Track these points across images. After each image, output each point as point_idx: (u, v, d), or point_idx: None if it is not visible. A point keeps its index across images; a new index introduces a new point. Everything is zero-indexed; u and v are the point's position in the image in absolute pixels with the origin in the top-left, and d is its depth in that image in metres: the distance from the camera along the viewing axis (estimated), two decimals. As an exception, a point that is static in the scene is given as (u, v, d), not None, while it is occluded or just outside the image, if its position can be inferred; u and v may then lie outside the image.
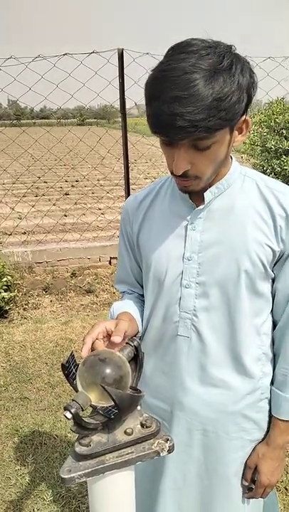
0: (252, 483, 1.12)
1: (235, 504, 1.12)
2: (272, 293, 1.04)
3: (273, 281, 1.03)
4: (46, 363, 3.18)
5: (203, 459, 1.10)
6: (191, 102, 0.76)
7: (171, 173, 0.91)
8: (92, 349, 0.86)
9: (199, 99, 0.76)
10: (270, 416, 1.09)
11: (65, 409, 0.69)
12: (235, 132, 0.89)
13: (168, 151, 0.88)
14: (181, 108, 0.77)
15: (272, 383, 1.09)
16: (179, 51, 0.80)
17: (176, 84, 0.77)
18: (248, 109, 0.88)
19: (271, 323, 1.07)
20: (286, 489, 2.08)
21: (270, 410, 1.09)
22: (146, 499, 1.19)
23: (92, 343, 0.87)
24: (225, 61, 0.79)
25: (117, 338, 0.86)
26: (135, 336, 1.08)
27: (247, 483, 1.11)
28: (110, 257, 4.81)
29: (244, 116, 0.88)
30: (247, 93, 0.83)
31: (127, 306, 1.12)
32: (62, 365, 0.77)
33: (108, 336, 0.90)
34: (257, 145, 3.88)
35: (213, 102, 0.77)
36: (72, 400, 0.70)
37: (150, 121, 0.83)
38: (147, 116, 0.84)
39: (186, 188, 0.94)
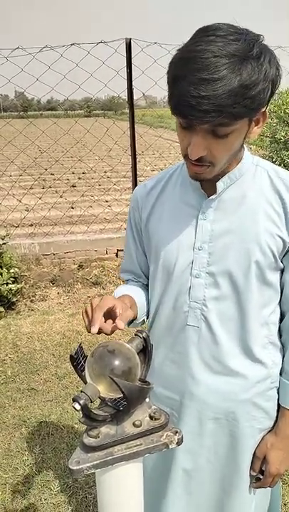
0: (259, 474, 1.12)
1: (244, 493, 1.12)
2: (280, 283, 1.03)
3: (282, 271, 1.02)
4: (53, 355, 3.19)
5: (214, 448, 1.10)
6: (219, 86, 0.74)
7: (185, 157, 0.90)
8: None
9: (227, 84, 0.74)
10: (279, 405, 1.09)
11: (74, 400, 0.68)
12: (253, 124, 0.88)
13: (185, 134, 0.86)
14: (208, 91, 0.75)
15: (280, 373, 1.09)
16: (208, 34, 0.78)
17: (204, 66, 0.75)
18: (269, 102, 0.87)
19: (279, 312, 1.07)
20: (293, 482, 2.08)
21: (278, 399, 1.09)
22: (156, 487, 1.19)
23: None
24: (254, 49, 0.77)
25: (121, 324, 0.84)
26: (134, 320, 1.08)
27: (255, 474, 1.12)
28: (117, 249, 4.81)
29: (264, 108, 0.86)
30: (272, 85, 0.81)
31: (131, 290, 1.12)
32: (71, 356, 0.76)
33: (108, 312, 0.88)
34: (266, 136, 3.84)
35: (240, 89, 0.75)
36: (81, 392, 0.69)
37: (173, 101, 0.81)
38: (169, 97, 0.82)
39: (198, 176, 0.92)
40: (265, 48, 0.80)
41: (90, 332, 0.82)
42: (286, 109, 3.51)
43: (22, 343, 3.35)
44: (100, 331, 0.84)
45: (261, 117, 0.88)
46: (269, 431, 1.11)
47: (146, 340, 0.83)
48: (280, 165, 3.58)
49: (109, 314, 0.88)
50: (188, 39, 0.82)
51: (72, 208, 6.60)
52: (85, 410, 0.69)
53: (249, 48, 0.77)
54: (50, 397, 2.72)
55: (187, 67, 0.77)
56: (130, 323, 1.10)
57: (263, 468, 1.11)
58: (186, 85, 0.76)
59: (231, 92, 0.75)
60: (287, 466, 1.11)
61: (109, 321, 0.88)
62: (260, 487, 1.14)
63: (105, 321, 0.87)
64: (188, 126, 0.84)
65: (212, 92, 0.74)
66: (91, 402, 0.70)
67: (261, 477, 1.12)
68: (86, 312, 0.89)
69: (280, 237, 0.96)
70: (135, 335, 0.84)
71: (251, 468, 1.11)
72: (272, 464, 1.08)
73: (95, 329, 0.81)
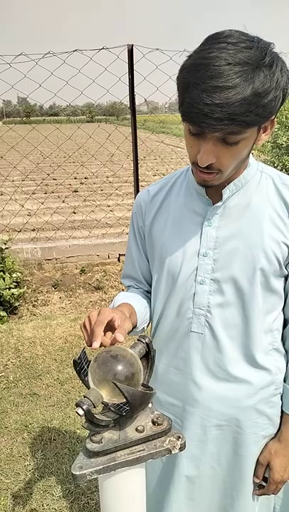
0: (263, 481, 1.12)
1: (248, 500, 1.12)
2: (284, 290, 1.03)
3: (286, 278, 1.02)
4: (55, 360, 3.19)
5: (218, 455, 1.10)
6: (232, 94, 0.74)
7: (193, 164, 0.90)
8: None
9: (239, 92, 0.74)
10: (283, 412, 1.09)
11: (77, 405, 0.68)
12: (261, 131, 0.88)
13: (194, 141, 0.86)
14: (222, 99, 0.74)
15: (284, 380, 1.08)
16: (220, 40, 0.78)
17: (217, 73, 0.75)
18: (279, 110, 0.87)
19: (282, 319, 1.07)
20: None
21: (282, 406, 1.09)
22: (159, 494, 1.19)
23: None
24: (267, 58, 0.77)
25: (120, 337, 0.82)
26: (133, 328, 1.07)
27: (258, 481, 1.11)
28: (119, 254, 4.81)
29: (274, 116, 0.86)
30: (283, 93, 0.81)
31: (131, 298, 1.11)
32: (74, 361, 0.76)
33: (107, 324, 0.87)
34: (268, 141, 3.84)
35: (252, 97, 0.75)
36: (84, 397, 0.70)
37: (185, 108, 0.80)
38: (180, 103, 0.82)
39: (206, 182, 0.92)
40: (276, 56, 0.80)
41: (90, 346, 0.80)
42: (287, 114, 3.52)
43: (24, 348, 3.35)
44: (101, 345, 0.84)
45: (269, 125, 0.88)
46: (272, 438, 1.10)
47: (148, 345, 0.84)
48: (281, 170, 3.58)
49: (109, 326, 0.87)
50: (199, 45, 0.82)
51: (75, 212, 6.62)
52: (88, 415, 0.70)
53: (261, 56, 0.77)
54: (52, 402, 2.72)
55: (199, 74, 0.76)
56: (130, 331, 1.10)
57: (267, 476, 1.11)
58: (199, 92, 0.76)
59: (244, 100, 0.75)
60: None
61: (109, 334, 0.87)
62: (263, 494, 1.13)
63: (104, 334, 0.85)
64: (198, 133, 0.83)
65: (225, 99, 0.74)
66: (94, 407, 0.70)
67: (264, 484, 1.12)
68: (84, 326, 0.87)
69: (285, 244, 0.96)
70: (138, 340, 0.84)
71: (254, 475, 1.11)
72: (275, 471, 1.08)
73: (96, 344, 0.78)
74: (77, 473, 0.69)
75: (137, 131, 4.34)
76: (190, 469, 1.12)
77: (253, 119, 0.78)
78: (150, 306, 1.18)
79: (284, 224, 0.96)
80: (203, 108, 0.76)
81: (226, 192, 0.97)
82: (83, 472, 0.70)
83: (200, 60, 0.78)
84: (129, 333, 1.09)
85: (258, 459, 1.10)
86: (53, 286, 4.34)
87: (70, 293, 4.27)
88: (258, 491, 1.13)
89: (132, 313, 1.03)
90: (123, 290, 1.26)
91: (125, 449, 0.73)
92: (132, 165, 4.38)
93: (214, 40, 0.79)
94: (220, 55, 0.75)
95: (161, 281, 1.09)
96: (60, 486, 2.10)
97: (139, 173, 4.47)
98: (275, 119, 0.89)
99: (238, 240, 0.97)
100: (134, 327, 1.08)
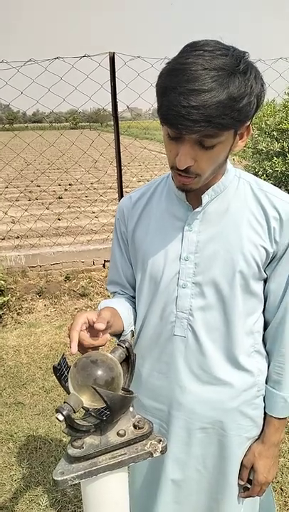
0: (247, 483, 1.12)
1: (233, 502, 1.13)
2: (264, 293, 1.05)
3: (265, 281, 1.04)
4: (40, 368, 3.16)
5: (202, 458, 1.11)
6: (208, 97, 0.77)
7: (172, 168, 0.91)
8: (79, 342, 0.86)
9: (215, 96, 0.77)
10: (265, 413, 1.10)
11: (57, 411, 0.69)
12: (237, 137, 0.90)
13: (173, 144, 0.88)
14: (198, 101, 0.77)
15: (266, 382, 1.10)
16: (196, 48, 0.81)
17: (194, 77, 0.77)
18: (253, 116, 0.89)
19: (263, 321, 1.09)
20: (281, 489, 2.09)
21: (265, 407, 1.10)
22: (145, 498, 1.19)
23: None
24: (241, 65, 0.80)
25: (100, 325, 0.86)
26: (121, 333, 1.09)
27: (243, 483, 1.12)
28: (104, 260, 4.81)
29: (249, 122, 0.89)
30: (257, 99, 0.84)
31: (114, 302, 1.12)
32: (54, 367, 0.77)
33: (90, 326, 0.90)
34: (248, 147, 3.90)
35: (228, 101, 0.78)
36: (64, 402, 0.70)
37: (162, 111, 0.83)
38: (159, 107, 0.84)
39: (185, 186, 0.93)
40: (250, 64, 0.83)
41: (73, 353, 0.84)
42: (267, 120, 3.58)
43: (8, 357, 3.31)
44: (92, 348, 0.88)
45: (245, 131, 0.91)
46: (256, 439, 1.12)
47: (128, 349, 0.84)
48: (262, 175, 3.64)
49: (92, 328, 0.89)
50: (177, 53, 0.84)
51: (59, 219, 6.59)
52: (69, 421, 0.70)
53: (236, 63, 0.80)
54: (37, 411, 2.69)
55: (177, 79, 0.79)
56: (119, 336, 1.10)
57: (251, 478, 1.12)
58: (177, 95, 0.78)
59: (220, 103, 0.77)
60: (274, 473, 1.12)
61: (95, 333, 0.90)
62: (248, 496, 1.14)
63: (90, 336, 0.89)
64: (176, 136, 0.85)
65: (202, 102, 0.77)
66: (74, 412, 0.70)
67: (249, 486, 1.13)
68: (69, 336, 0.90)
69: (264, 248, 0.98)
70: (118, 345, 0.85)
71: (239, 477, 1.12)
72: (260, 472, 1.09)
73: (73, 349, 0.83)
74: (59, 478, 0.70)
75: (121, 138, 4.36)
76: (176, 473, 1.12)
77: (229, 122, 0.80)
78: (135, 309, 1.18)
79: (261, 228, 0.98)
80: (180, 110, 0.78)
81: (205, 197, 0.99)
82: (65, 478, 0.70)
83: (177, 66, 0.80)
84: (118, 336, 1.09)
85: (242, 461, 1.11)
86: (38, 293, 4.31)
87: (55, 300, 4.24)
88: (243, 493, 1.14)
89: (115, 315, 1.03)
90: (109, 297, 1.27)
91: (107, 453, 0.74)
92: (116, 171, 4.40)
93: (191, 48, 0.82)
94: (196, 60, 0.78)
95: (144, 285, 1.10)
96: (46, 495, 2.08)
97: (124, 179, 4.48)
98: (251, 127, 0.92)
99: (218, 243, 0.99)
100: (122, 331, 1.09)
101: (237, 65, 0.80)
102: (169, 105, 0.80)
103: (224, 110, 0.78)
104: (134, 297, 1.21)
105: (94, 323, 0.88)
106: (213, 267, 1.00)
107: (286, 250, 0.99)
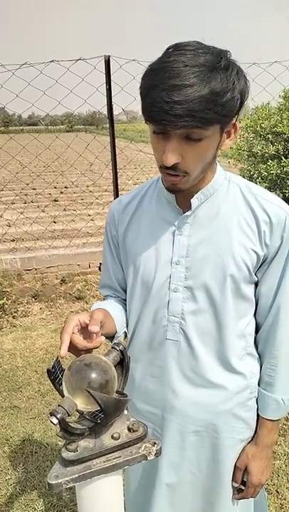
0: (241, 485, 1.13)
1: (227, 504, 1.13)
2: (255, 296, 1.06)
3: (256, 284, 1.05)
4: (36, 371, 3.15)
5: (196, 461, 1.11)
6: (190, 92, 0.77)
7: (160, 168, 0.91)
8: (71, 344, 0.86)
9: (197, 90, 0.78)
10: (258, 415, 1.11)
11: (51, 414, 0.69)
12: (224, 135, 0.91)
13: (159, 142, 0.88)
14: (180, 96, 0.77)
15: (258, 384, 1.10)
16: (178, 48, 0.82)
17: (175, 74, 0.78)
18: (239, 114, 0.90)
19: (254, 324, 1.09)
20: (277, 492, 2.09)
21: (258, 409, 1.11)
22: (140, 502, 1.19)
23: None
24: (223, 61, 0.81)
25: (94, 328, 0.86)
26: (113, 336, 1.09)
27: (237, 485, 1.12)
28: (100, 263, 4.80)
29: (234, 120, 0.90)
30: (241, 95, 0.85)
31: (106, 304, 1.12)
32: (48, 370, 0.76)
33: (83, 328, 0.90)
34: (244, 150, 3.91)
35: (210, 96, 0.79)
36: (58, 406, 0.70)
37: (147, 109, 0.83)
38: (143, 106, 0.85)
39: (174, 186, 0.93)
40: (232, 62, 0.84)
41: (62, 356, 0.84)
42: (262, 123, 3.60)
43: (4, 360, 3.30)
44: (86, 350, 0.88)
45: (232, 129, 0.91)
46: (249, 441, 1.12)
47: (123, 352, 0.84)
48: (257, 177, 3.65)
49: (84, 328, 0.90)
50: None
51: (55, 222, 6.58)
52: (63, 424, 0.70)
53: (217, 60, 0.81)
54: (33, 415, 2.68)
55: (159, 77, 0.80)
56: (112, 337, 1.10)
57: (245, 479, 1.12)
58: (159, 92, 0.79)
59: (202, 98, 0.78)
60: (268, 475, 1.13)
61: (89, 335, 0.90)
62: (242, 498, 1.14)
63: (83, 338, 0.89)
64: (162, 132, 0.85)
65: (184, 97, 0.77)
66: (68, 415, 0.70)
67: (243, 488, 1.13)
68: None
69: (254, 251, 0.98)
70: (112, 348, 0.85)
71: (233, 479, 1.12)
72: (253, 474, 1.09)
73: (62, 352, 0.84)
74: (53, 482, 0.69)
75: (117, 140, 4.37)
76: (170, 477, 1.12)
77: (213, 117, 0.81)
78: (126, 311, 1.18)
79: (252, 231, 0.98)
80: (163, 106, 0.79)
81: (195, 201, 0.99)
82: (59, 481, 0.70)
83: (159, 65, 0.82)
84: (111, 338, 1.09)
85: (235, 463, 1.11)
86: (33, 296, 4.30)
87: (51, 303, 4.23)
88: (237, 495, 1.14)
89: (107, 316, 1.03)
90: (104, 300, 1.27)
91: (101, 456, 0.73)
92: (112, 174, 4.40)
93: (173, 49, 0.84)
94: (178, 58, 0.80)
95: (136, 289, 1.10)
96: (42, 500, 2.07)
97: (120, 182, 4.49)
98: (237, 124, 0.92)
99: (208, 247, 0.99)
100: (115, 332, 1.09)
101: (218, 61, 0.81)
102: (152, 102, 0.81)
103: (207, 105, 0.79)
104: (126, 300, 1.21)
105: (86, 325, 0.88)
106: (204, 270, 1.00)
107: (277, 253, 1.00)
